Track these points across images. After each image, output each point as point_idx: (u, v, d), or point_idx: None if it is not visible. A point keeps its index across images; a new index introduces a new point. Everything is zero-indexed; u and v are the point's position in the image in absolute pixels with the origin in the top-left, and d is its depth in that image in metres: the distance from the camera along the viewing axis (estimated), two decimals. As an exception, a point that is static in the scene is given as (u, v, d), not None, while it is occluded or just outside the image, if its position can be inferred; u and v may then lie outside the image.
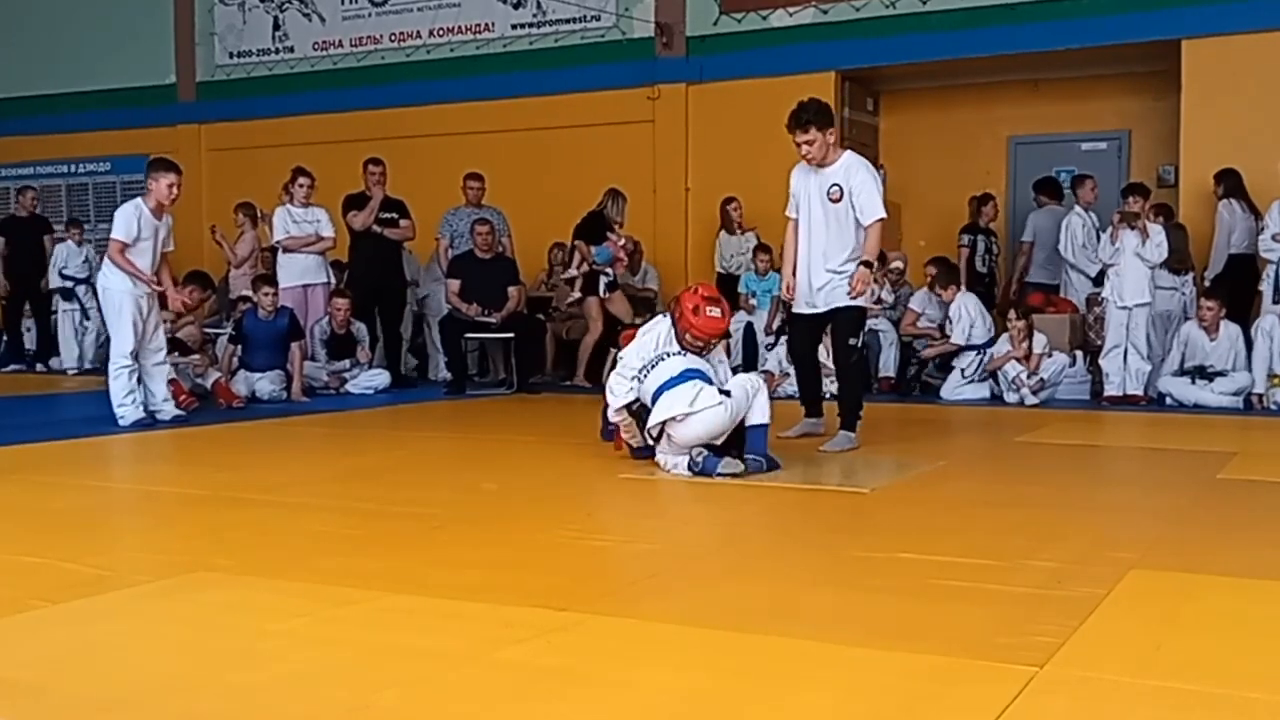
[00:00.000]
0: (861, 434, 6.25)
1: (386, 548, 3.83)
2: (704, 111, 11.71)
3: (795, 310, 6.43)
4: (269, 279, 9.60)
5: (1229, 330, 8.70)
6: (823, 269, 6.19)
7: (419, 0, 13.07)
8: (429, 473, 5.72)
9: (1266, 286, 8.89)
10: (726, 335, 5.83)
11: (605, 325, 10.02)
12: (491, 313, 9.79)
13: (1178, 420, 7.90)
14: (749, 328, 10.36)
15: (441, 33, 12.94)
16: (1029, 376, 8.89)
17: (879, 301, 9.87)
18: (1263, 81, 9.79)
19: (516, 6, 12.61)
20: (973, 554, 3.57)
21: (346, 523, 4.24)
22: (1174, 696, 2.35)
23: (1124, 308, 8.79)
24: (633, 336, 5.72)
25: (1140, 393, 8.79)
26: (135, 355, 7.30)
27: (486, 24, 12.76)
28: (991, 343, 9.21)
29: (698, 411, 5.08)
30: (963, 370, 9.22)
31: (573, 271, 10.25)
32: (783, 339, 8.88)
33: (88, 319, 11.97)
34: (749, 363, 10.02)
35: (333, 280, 10.20)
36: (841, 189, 6.12)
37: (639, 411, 5.39)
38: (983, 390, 9.20)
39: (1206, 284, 9.36)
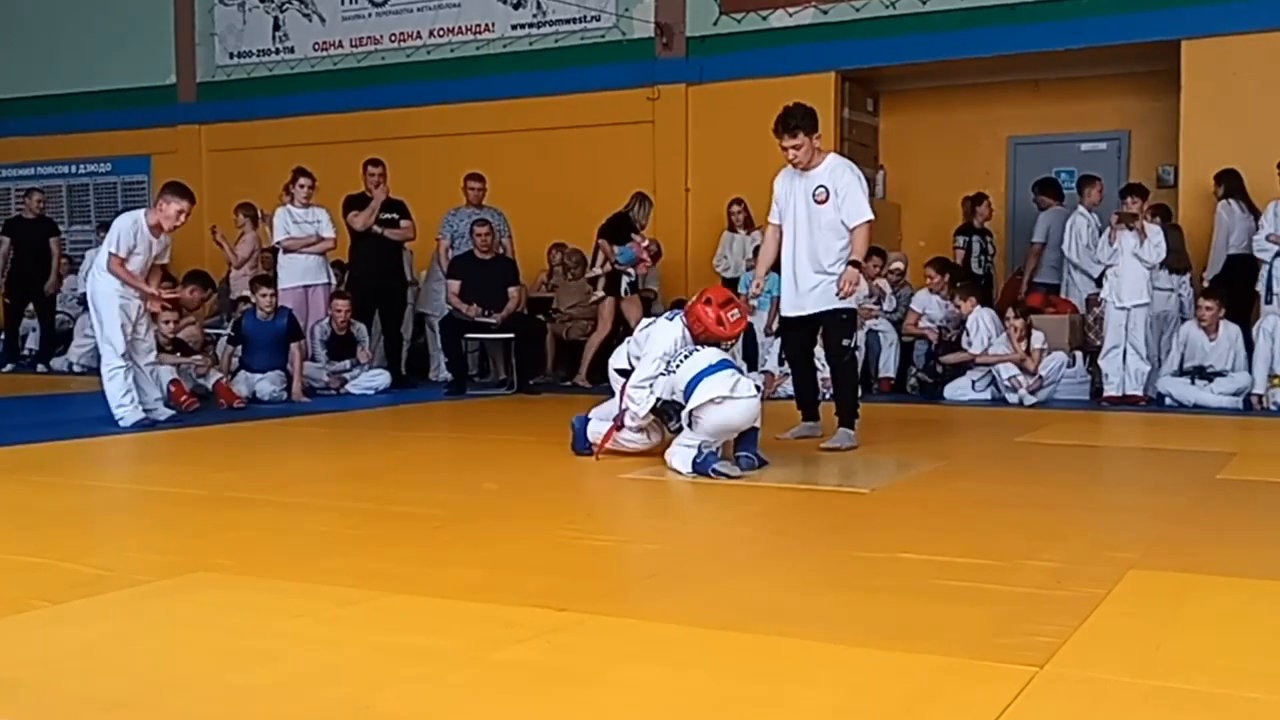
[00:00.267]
0: (861, 434, 6.25)
1: (386, 548, 3.83)
2: (704, 112, 11.71)
3: (786, 314, 6.45)
4: (267, 280, 9.60)
5: (1228, 330, 8.71)
6: (811, 272, 6.21)
7: (419, 0, 13.07)
8: (429, 473, 5.72)
9: (1261, 287, 8.90)
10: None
11: (613, 327, 10.08)
12: (491, 313, 9.80)
13: (1177, 420, 7.90)
14: (749, 328, 10.36)
15: (441, 33, 12.94)
16: (1028, 376, 8.89)
17: (879, 302, 9.88)
18: (1262, 82, 9.79)
19: (516, 7, 12.61)
20: (973, 554, 3.58)
21: (346, 523, 4.25)
22: (1174, 696, 2.35)
23: (1122, 308, 8.80)
24: None
25: (1140, 393, 8.79)
26: (126, 355, 7.28)
27: (486, 24, 12.76)
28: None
29: (736, 398, 5.18)
30: (974, 382, 9.21)
31: (596, 270, 10.29)
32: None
33: None
34: (749, 363, 10.02)
35: (333, 281, 10.21)
36: (827, 190, 6.15)
37: (663, 409, 5.44)
38: (983, 391, 9.19)
39: (1206, 285, 9.36)
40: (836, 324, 6.27)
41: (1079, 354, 9.40)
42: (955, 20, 10.73)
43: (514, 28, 12.63)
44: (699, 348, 5.45)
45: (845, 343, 6.33)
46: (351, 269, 10.59)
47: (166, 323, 8.57)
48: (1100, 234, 9.43)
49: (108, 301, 7.28)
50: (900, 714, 2.27)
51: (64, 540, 3.93)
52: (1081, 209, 9.81)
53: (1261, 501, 4.81)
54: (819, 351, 6.75)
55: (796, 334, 6.51)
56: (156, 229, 7.35)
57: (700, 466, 5.11)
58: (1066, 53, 10.48)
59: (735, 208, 10.84)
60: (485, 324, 9.87)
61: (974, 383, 9.19)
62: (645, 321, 6.11)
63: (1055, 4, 10.43)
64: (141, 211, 7.50)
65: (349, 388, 9.64)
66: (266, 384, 9.01)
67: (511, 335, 10.01)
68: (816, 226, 6.18)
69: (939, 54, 10.83)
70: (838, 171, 6.21)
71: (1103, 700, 2.35)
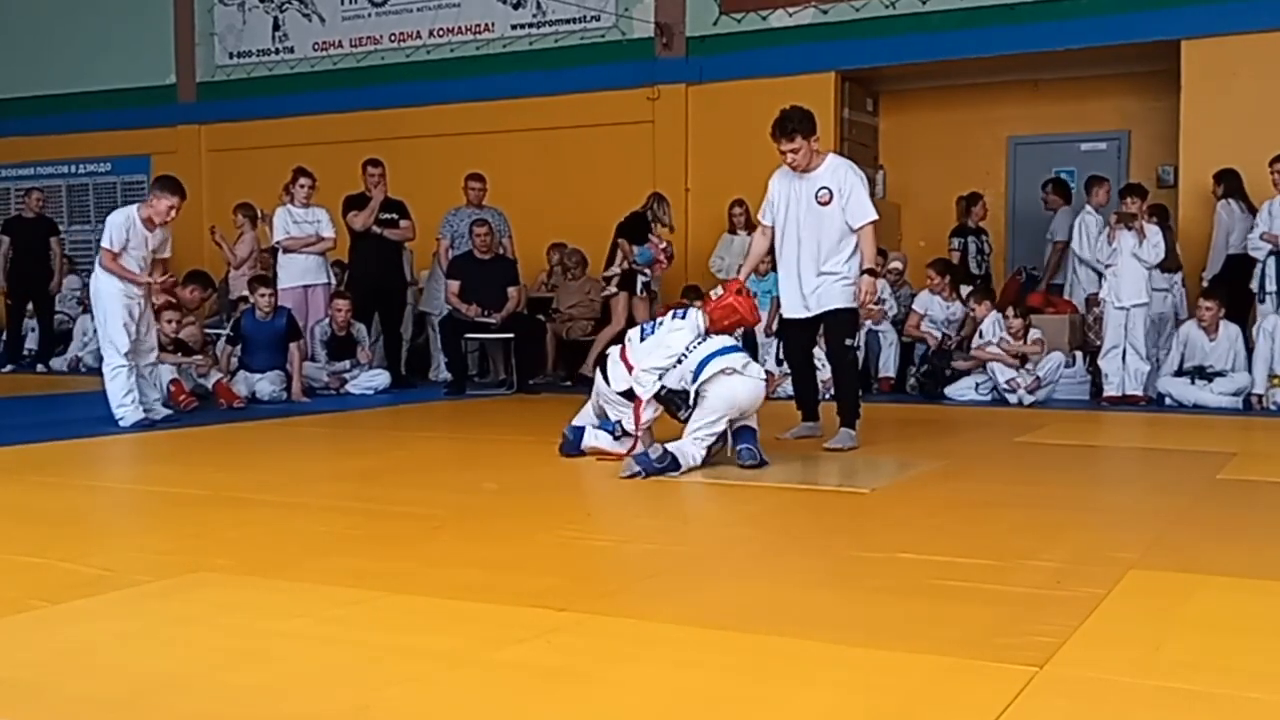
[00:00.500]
0: (862, 434, 6.25)
1: (386, 548, 3.83)
2: (704, 112, 11.71)
3: (787, 315, 6.44)
4: (265, 280, 9.60)
5: (1228, 330, 8.71)
6: (814, 273, 6.20)
7: (419, 0, 13.08)
8: (429, 473, 5.72)
9: (1256, 285, 8.90)
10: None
11: (626, 324, 10.11)
12: (491, 313, 9.80)
13: (1177, 420, 7.90)
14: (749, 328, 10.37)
15: (441, 33, 12.94)
16: (1025, 376, 8.89)
17: (880, 303, 9.87)
18: (1262, 82, 9.79)
19: (516, 6, 12.61)
20: (973, 554, 3.58)
21: (346, 523, 4.24)
22: (1174, 696, 2.35)
23: (1121, 308, 8.80)
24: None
25: (1140, 393, 8.79)
26: (129, 355, 7.29)
27: (486, 24, 12.76)
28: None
29: (746, 375, 5.32)
30: (977, 384, 9.20)
31: (615, 269, 10.31)
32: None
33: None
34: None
35: (333, 281, 10.21)
36: (831, 191, 6.14)
37: (668, 397, 5.48)
38: (985, 392, 9.19)
39: (1205, 285, 9.36)
40: (838, 324, 6.27)
41: (1079, 354, 9.40)
42: (955, 20, 10.73)
43: (514, 28, 12.63)
44: (710, 336, 5.54)
45: (848, 342, 6.34)
46: (351, 269, 10.59)
47: (170, 322, 8.57)
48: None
49: (111, 301, 7.29)
50: (900, 714, 2.27)
51: (64, 540, 3.93)
52: (1089, 208, 9.80)
53: (1261, 501, 4.81)
54: (818, 351, 6.75)
55: (798, 334, 6.51)
56: (149, 223, 7.36)
57: (655, 465, 5.09)
58: (1066, 53, 10.48)
59: (737, 209, 10.83)
60: (485, 324, 9.88)
61: (977, 385, 9.19)
62: (635, 337, 6.04)
63: (1055, 4, 10.43)
64: (135, 207, 7.51)
65: (349, 388, 9.64)
66: (266, 384, 9.00)
67: (511, 335, 10.00)
68: (820, 228, 6.17)
69: (939, 54, 10.83)
70: (840, 172, 6.20)
71: (1103, 700, 2.35)
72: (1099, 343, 9.09)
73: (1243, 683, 2.43)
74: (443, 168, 11.59)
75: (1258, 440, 7.08)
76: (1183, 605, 3.08)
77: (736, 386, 5.30)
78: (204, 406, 8.29)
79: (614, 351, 5.89)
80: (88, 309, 12.45)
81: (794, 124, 6.07)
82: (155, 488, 5.33)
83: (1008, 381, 8.91)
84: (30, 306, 12.78)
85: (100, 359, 7.56)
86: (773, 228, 6.38)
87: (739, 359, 5.39)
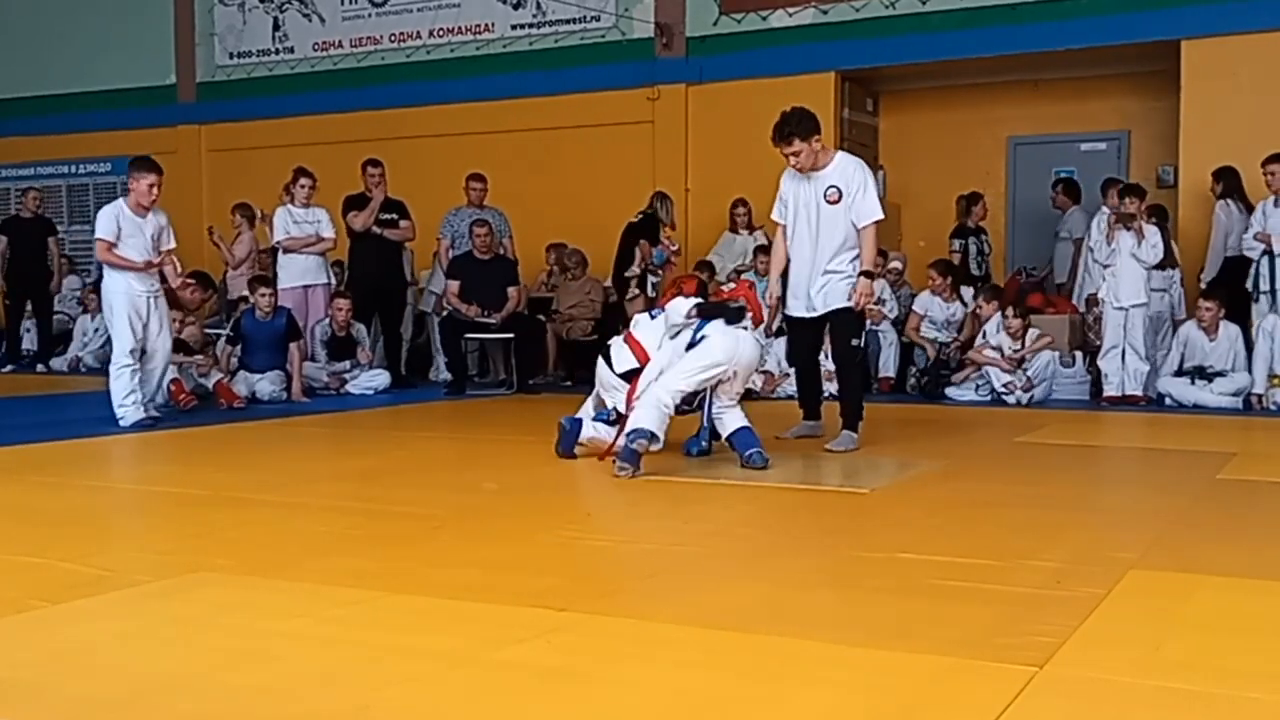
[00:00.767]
0: (862, 434, 6.25)
1: (386, 548, 3.83)
2: (704, 112, 11.71)
3: (793, 315, 6.39)
4: (265, 280, 9.60)
5: (1228, 331, 8.71)
6: (820, 272, 6.19)
7: (419, 0, 13.08)
8: (429, 473, 5.72)
9: (1250, 285, 8.90)
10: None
11: None
12: (491, 313, 9.80)
13: (1177, 420, 7.90)
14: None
15: (441, 33, 12.94)
16: (1020, 377, 8.90)
17: (880, 302, 9.87)
18: (1262, 82, 9.79)
19: (516, 7, 12.61)
20: (973, 554, 3.58)
21: (346, 523, 4.24)
22: (1174, 696, 2.35)
23: (1121, 308, 8.79)
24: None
25: (1139, 393, 8.79)
26: (135, 354, 7.29)
27: (486, 24, 12.76)
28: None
29: (744, 334, 5.46)
30: (977, 386, 9.20)
31: (635, 270, 10.33)
32: (781, 339, 8.89)
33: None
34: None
35: (333, 281, 10.21)
36: (840, 190, 6.11)
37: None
38: (985, 393, 9.18)
39: (1205, 285, 9.36)
40: (845, 323, 6.24)
41: (1079, 354, 9.40)
42: (955, 20, 10.73)
43: (514, 28, 12.63)
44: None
45: (855, 342, 6.31)
46: (351, 269, 10.59)
47: (173, 322, 8.56)
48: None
49: (116, 298, 7.32)
50: (900, 714, 2.27)
51: (64, 540, 3.92)
52: (1105, 209, 9.77)
53: (1261, 501, 4.81)
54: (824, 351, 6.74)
55: (804, 334, 6.48)
56: (138, 209, 7.38)
57: (632, 448, 5.12)
58: (1066, 53, 10.48)
59: (739, 209, 10.84)
60: (485, 324, 9.88)
61: (977, 386, 9.19)
62: (644, 319, 6.08)
63: (1055, 4, 10.43)
64: (121, 199, 7.55)
65: (349, 388, 9.64)
66: (266, 384, 9.00)
67: (511, 335, 10.01)
68: (827, 227, 6.14)
69: (939, 54, 10.83)
70: (848, 170, 6.17)
71: (1103, 700, 2.35)
72: (1099, 343, 9.09)
73: (1242, 683, 2.43)
74: (443, 168, 11.59)
75: (1258, 440, 7.08)
76: (1182, 605, 3.08)
77: (742, 338, 5.42)
78: (204, 406, 8.29)
79: (617, 340, 5.92)
80: (88, 309, 12.54)
81: (791, 128, 6.02)
82: (155, 488, 5.33)
83: (1004, 385, 8.91)
84: (29, 307, 12.79)
85: (102, 359, 7.57)
86: (786, 226, 6.36)
87: (734, 324, 5.50)
